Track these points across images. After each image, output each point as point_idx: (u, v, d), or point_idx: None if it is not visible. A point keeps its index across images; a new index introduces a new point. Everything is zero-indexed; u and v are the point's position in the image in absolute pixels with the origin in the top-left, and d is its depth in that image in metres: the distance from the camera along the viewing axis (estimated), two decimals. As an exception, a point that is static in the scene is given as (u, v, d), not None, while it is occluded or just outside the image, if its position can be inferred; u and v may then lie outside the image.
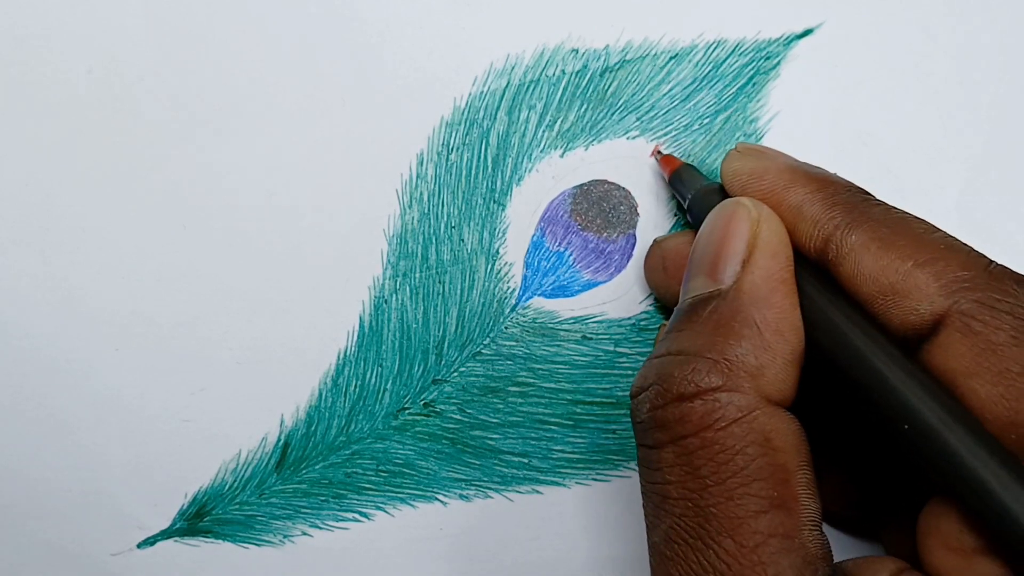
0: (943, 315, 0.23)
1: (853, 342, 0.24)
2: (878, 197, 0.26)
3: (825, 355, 0.24)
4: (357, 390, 0.33)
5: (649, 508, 0.24)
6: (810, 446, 0.23)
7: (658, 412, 0.23)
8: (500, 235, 0.32)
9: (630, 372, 0.33)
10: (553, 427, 0.33)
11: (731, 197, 0.27)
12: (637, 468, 0.25)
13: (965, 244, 0.24)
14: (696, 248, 0.26)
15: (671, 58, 0.32)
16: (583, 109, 0.32)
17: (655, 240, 0.32)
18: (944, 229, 0.25)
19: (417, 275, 0.32)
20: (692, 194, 0.29)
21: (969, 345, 0.22)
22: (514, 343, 0.33)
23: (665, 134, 0.32)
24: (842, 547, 0.31)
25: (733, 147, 0.29)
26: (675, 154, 0.32)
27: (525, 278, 0.33)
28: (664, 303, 0.33)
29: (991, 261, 0.23)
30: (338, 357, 0.33)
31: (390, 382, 0.33)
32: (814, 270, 0.25)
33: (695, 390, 0.23)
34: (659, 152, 0.32)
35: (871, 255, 0.24)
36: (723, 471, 0.22)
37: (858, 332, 0.24)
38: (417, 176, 0.32)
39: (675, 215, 0.33)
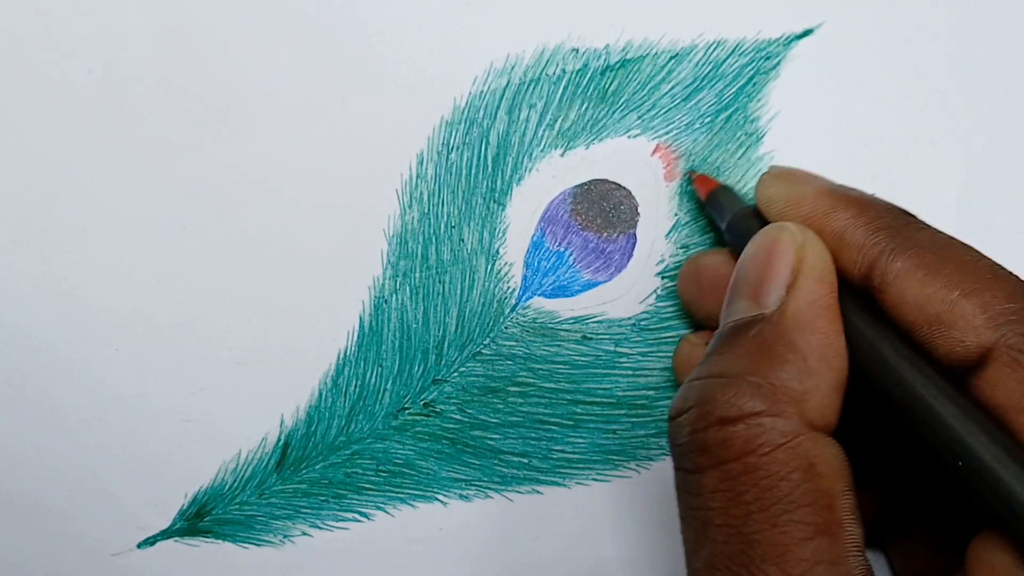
0: (990, 348, 0.22)
1: (902, 374, 0.23)
2: (922, 219, 0.25)
3: (871, 385, 0.24)
4: (357, 390, 0.33)
5: (689, 534, 0.24)
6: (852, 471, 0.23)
7: (699, 435, 0.23)
8: (500, 235, 0.32)
9: (630, 372, 0.33)
10: (553, 427, 0.33)
11: (771, 222, 0.27)
12: (675, 492, 0.24)
13: (1012, 273, 0.24)
14: (739, 272, 0.26)
15: (671, 58, 0.32)
16: (584, 108, 0.32)
17: (690, 256, 0.32)
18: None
19: (417, 275, 0.32)
20: (730, 217, 0.29)
21: (1018, 380, 0.22)
22: (514, 343, 0.33)
23: (666, 133, 0.32)
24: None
25: (766, 171, 0.29)
26: (678, 154, 0.32)
27: (525, 278, 0.33)
28: (695, 319, 0.32)
29: None
30: (338, 357, 0.33)
31: (390, 382, 0.33)
32: (859, 297, 0.25)
33: (738, 413, 0.23)
34: (692, 173, 0.32)
35: (916, 282, 0.23)
36: (767, 497, 0.22)
37: (906, 364, 0.23)
38: (417, 176, 0.32)
39: (675, 215, 0.33)
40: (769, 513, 0.22)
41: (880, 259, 0.24)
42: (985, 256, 0.24)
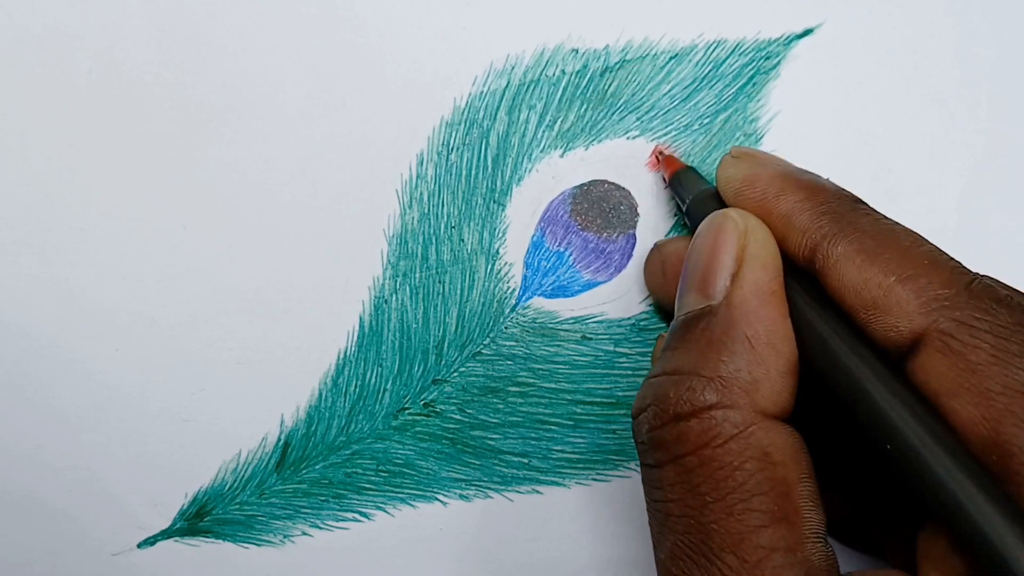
0: (923, 333, 0.23)
1: (840, 357, 0.23)
2: (871, 204, 0.26)
3: (815, 368, 0.24)
4: (357, 390, 0.33)
5: (654, 526, 0.24)
6: (813, 457, 0.23)
7: (656, 432, 0.24)
8: (500, 235, 0.32)
9: (630, 372, 0.33)
10: (553, 427, 0.33)
11: (727, 204, 0.27)
12: (642, 486, 0.25)
13: (951, 259, 0.24)
14: (687, 264, 0.26)
15: (671, 58, 0.32)
16: (583, 109, 0.32)
17: (655, 244, 0.32)
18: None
19: (417, 275, 0.32)
20: (690, 200, 0.29)
21: (949, 364, 0.22)
22: (514, 343, 0.33)
23: (665, 134, 0.32)
24: (847, 559, 0.31)
25: (728, 152, 0.29)
26: (676, 154, 0.32)
27: (525, 278, 0.33)
28: (663, 307, 0.33)
29: (975, 277, 0.23)
30: (338, 357, 0.33)
31: (390, 382, 0.33)
32: (805, 280, 0.25)
33: (691, 409, 0.23)
34: (661, 152, 0.32)
35: (855, 267, 0.24)
36: (722, 487, 0.22)
37: (844, 347, 0.23)
38: (417, 176, 0.32)
39: (675, 215, 0.33)
40: (725, 503, 0.22)
41: (823, 243, 0.24)
42: (927, 242, 0.24)
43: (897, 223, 0.25)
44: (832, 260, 0.24)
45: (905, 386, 0.23)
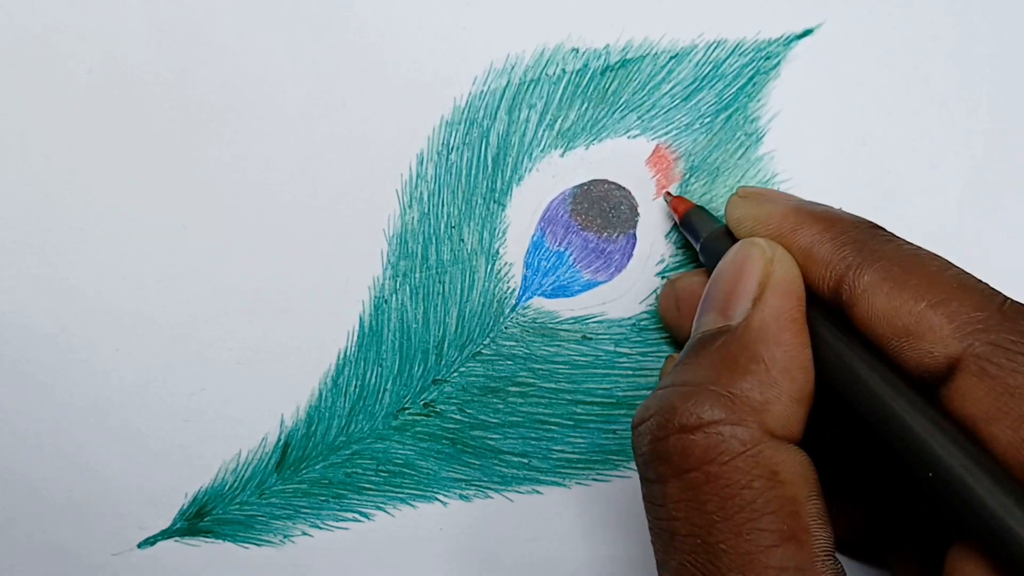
0: (958, 358, 0.22)
1: (873, 388, 0.23)
2: (887, 224, 0.26)
3: (843, 399, 0.24)
4: (357, 390, 0.33)
5: (658, 544, 0.24)
6: (819, 476, 0.23)
7: (659, 444, 0.23)
8: (500, 235, 0.32)
9: (630, 372, 0.33)
10: (553, 427, 0.33)
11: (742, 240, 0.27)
12: (643, 503, 0.24)
13: (980, 281, 0.24)
14: (710, 286, 0.26)
15: (671, 58, 0.32)
16: (583, 108, 0.32)
17: (668, 279, 0.32)
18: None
19: (417, 275, 0.32)
20: (704, 238, 0.29)
21: (986, 389, 0.22)
22: (514, 343, 0.33)
23: (666, 133, 0.32)
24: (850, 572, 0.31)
25: (734, 193, 0.29)
26: (678, 157, 0.32)
27: (525, 278, 0.33)
28: (678, 340, 0.32)
29: (1006, 299, 0.23)
30: (338, 357, 0.33)
31: (390, 382, 0.33)
32: (830, 313, 0.25)
33: (697, 422, 0.23)
34: (668, 194, 0.32)
35: (884, 295, 0.23)
36: (730, 506, 0.22)
37: (877, 377, 0.23)
38: (417, 176, 0.32)
39: (675, 215, 0.33)
40: (733, 522, 0.22)
41: (847, 274, 0.24)
42: (953, 265, 0.24)
43: (920, 247, 0.25)
44: (859, 290, 0.24)
45: (942, 413, 0.22)
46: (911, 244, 0.25)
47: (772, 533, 0.22)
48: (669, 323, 0.32)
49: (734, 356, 0.23)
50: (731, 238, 0.28)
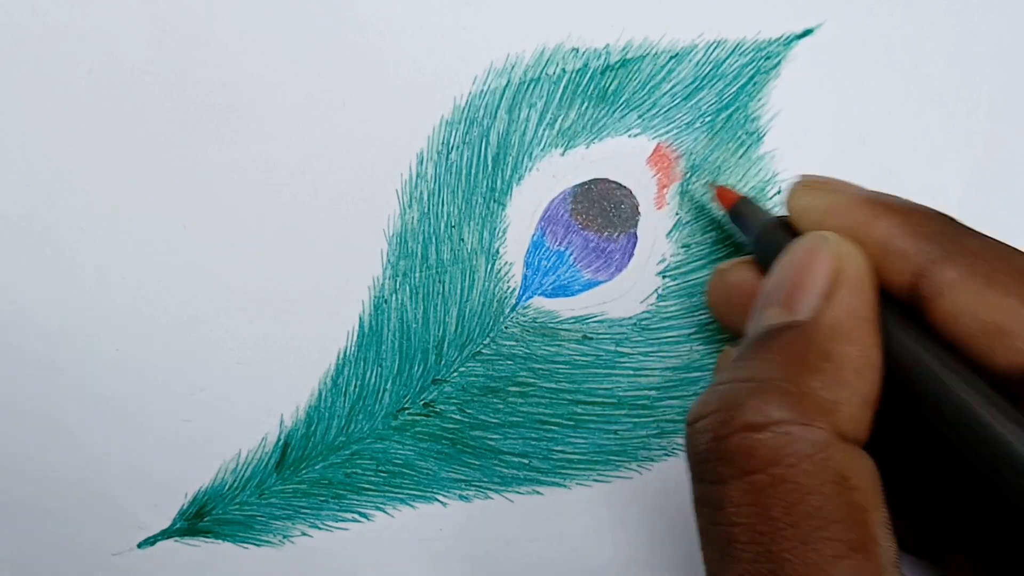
0: None
1: (954, 390, 0.22)
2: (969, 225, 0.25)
3: (917, 401, 0.23)
4: (357, 390, 0.33)
5: (712, 553, 0.22)
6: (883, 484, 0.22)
7: (722, 443, 0.21)
8: (500, 234, 0.32)
9: (631, 372, 0.33)
10: (553, 427, 0.33)
11: (801, 233, 0.26)
12: (694, 506, 0.23)
13: None
14: (772, 279, 0.25)
15: (671, 57, 0.32)
16: (584, 107, 0.32)
17: (718, 268, 0.30)
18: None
19: (417, 275, 0.32)
20: (759, 230, 0.28)
21: None
22: (514, 343, 0.33)
23: (666, 132, 0.32)
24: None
25: (796, 180, 0.27)
26: (679, 154, 0.32)
27: (525, 278, 0.33)
28: (728, 332, 0.32)
29: None
30: (338, 357, 0.33)
31: (390, 382, 0.33)
32: (901, 311, 0.24)
33: (765, 420, 0.21)
34: (712, 184, 0.32)
35: (971, 291, 0.22)
36: (796, 512, 0.20)
37: (957, 379, 0.22)
38: (417, 175, 0.32)
39: (676, 215, 0.33)
40: (799, 529, 0.20)
41: (930, 267, 0.23)
42: None
43: (1005, 243, 0.24)
44: (944, 285, 0.23)
45: None
46: (997, 240, 0.24)
47: (840, 543, 0.20)
48: (721, 315, 0.31)
49: (803, 352, 0.22)
50: (788, 229, 0.27)
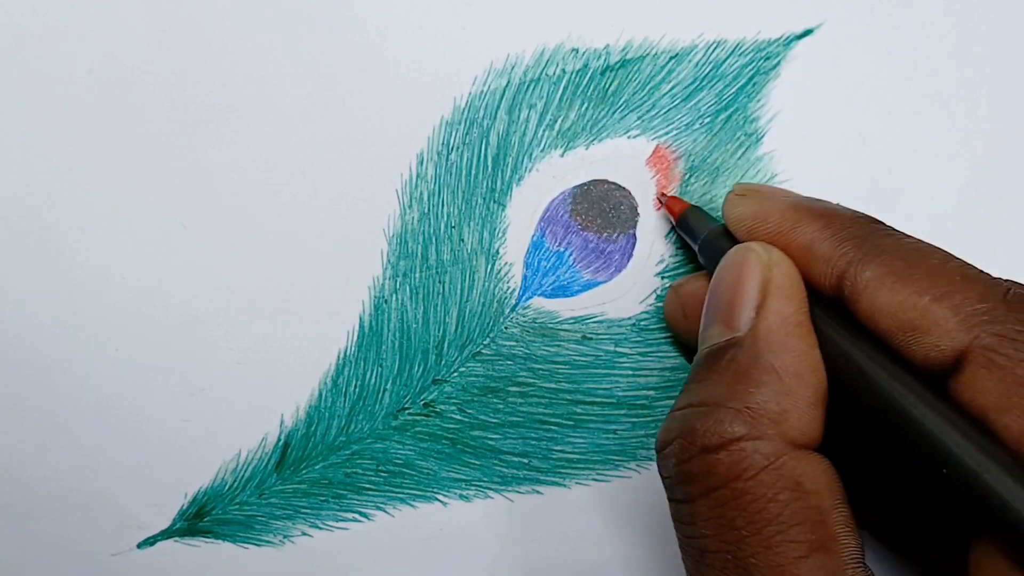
0: (965, 350, 0.22)
1: (879, 384, 0.23)
2: (888, 223, 0.25)
3: (850, 396, 0.24)
4: (357, 390, 0.33)
5: (689, 563, 0.24)
6: (844, 483, 0.23)
7: (685, 466, 0.23)
8: (500, 235, 0.32)
9: (630, 372, 0.33)
10: (553, 427, 0.33)
11: (740, 240, 0.27)
12: (672, 522, 0.25)
13: (982, 272, 0.24)
14: (710, 296, 0.26)
15: (671, 58, 0.32)
16: (584, 108, 0.32)
17: (671, 285, 0.32)
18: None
19: (417, 275, 0.32)
20: (701, 238, 0.29)
21: (995, 380, 0.22)
22: (514, 343, 0.33)
23: (666, 133, 0.32)
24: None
25: (731, 190, 0.29)
26: (678, 157, 0.32)
27: (525, 278, 0.33)
28: (686, 343, 0.33)
29: (1009, 288, 0.23)
30: (338, 357, 0.33)
31: (390, 382, 0.33)
32: (832, 309, 0.25)
33: (720, 441, 0.23)
34: (663, 195, 0.32)
35: (887, 290, 0.23)
36: (758, 520, 0.22)
37: (883, 373, 0.23)
38: (417, 176, 0.32)
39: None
40: (762, 536, 0.22)
41: (849, 269, 0.24)
42: (955, 257, 0.24)
43: (920, 240, 0.25)
44: (862, 285, 0.24)
45: (952, 407, 0.22)
46: (912, 237, 0.25)
47: (801, 544, 0.22)
48: (676, 328, 0.32)
49: (745, 369, 0.24)
50: (730, 237, 0.28)
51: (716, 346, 0.25)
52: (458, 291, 0.33)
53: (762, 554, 0.22)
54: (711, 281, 0.26)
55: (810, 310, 0.25)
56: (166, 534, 0.33)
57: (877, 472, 0.28)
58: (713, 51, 0.32)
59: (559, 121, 0.32)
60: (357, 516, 0.33)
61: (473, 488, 0.33)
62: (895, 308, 0.23)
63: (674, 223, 0.31)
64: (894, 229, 0.25)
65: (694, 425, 0.23)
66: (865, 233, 0.25)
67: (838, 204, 0.27)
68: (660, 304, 0.33)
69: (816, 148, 0.33)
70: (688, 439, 0.23)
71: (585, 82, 0.32)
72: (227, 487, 0.33)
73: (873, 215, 0.26)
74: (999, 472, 0.21)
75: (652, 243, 0.33)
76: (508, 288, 0.33)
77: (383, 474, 0.33)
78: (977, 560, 0.23)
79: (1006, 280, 0.23)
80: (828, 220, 0.25)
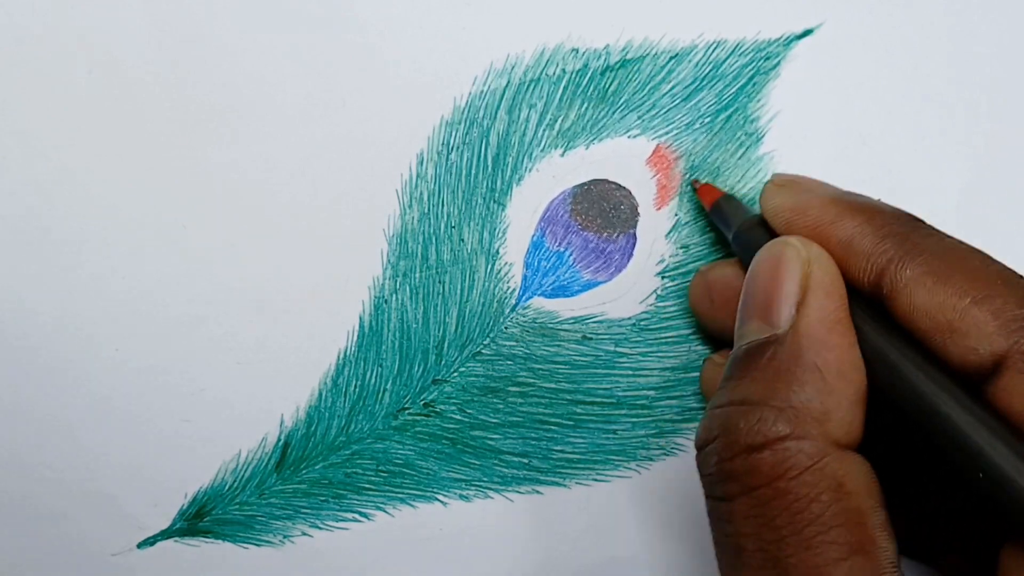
0: (1004, 355, 0.22)
1: (916, 384, 0.23)
2: (929, 224, 0.25)
3: (887, 395, 0.24)
4: (357, 390, 0.33)
5: (725, 560, 0.24)
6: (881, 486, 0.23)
7: (727, 464, 0.23)
8: (500, 235, 0.32)
9: (630, 372, 0.33)
10: (553, 427, 0.33)
11: (777, 232, 0.27)
12: (709, 519, 0.24)
13: (1022, 277, 0.23)
14: (746, 291, 0.26)
15: (671, 58, 0.32)
16: (584, 108, 0.32)
17: (699, 270, 0.32)
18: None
19: (417, 275, 0.32)
20: (736, 228, 0.29)
21: None
22: (514, 343, 0.33)
23: (666, 133, 0.32)
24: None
25: (769, 179, 0.28)
26: (678, 155, 0.32)
27: (525, 278, 0.33)
28: (711, 333, 0.32)
29: None
30: (338, 357, 0.33)
31: (390, 382, 0.33)
32: (870, 306, 0.24)
33: (763, 440, 0.23)
34: (696, 182, 0.32)
35: (926, 290, 0.23)
36: (798, 520, 0.22)
37: (920, 374, 0.23)
38: (417, 176, 0.32)
39: (675, 215, 0.33)
40: (802, 536, 0.22)
41: (889, 267, 0.24)
42: (995, 261, 0.24)
43: (962, 242, 0.24)
44: (901, 284, 0.24)
45: (988, 411, 0.22)
46: (953, 238, 0.24)
47: (840, 546, 0.22)
48: (701, 314, 0.32)
49: (787, 367, 0.23)
50: (765, 227, 0.28)
51: (755, 343, 0.24)
52: (458, 291, 0.33)
53: (801, 554, 0.22)
54: (747, 274, 0.26)
55: (850, 308, 0.24)
56: (166, 534, 0.33)
57: (909, 473, 0.28)
58: (713, 51, 0.32)
59: (559, 121, 0.32)
60: (357, 516, 0.33)
61: (473, 488, 0.33)
62: (934, 309, 0.23)
63: (707, 210, 0.31)
64: (935, 229, 0.25)
65: (737, 423, 0.23)
66: (906, 231, 0.25)
67: (879, 200, 0.26)
68: (660, 304, 0.33)
69: (816, 148, 0.33)
70: (731, 437, 0.23)
71: (585, 82, 0.32)
72: (227, 487, 0.33)
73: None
74: None
75: (652, 243, 0.33)
76: (508, 288, 0.33)
77: (383, 474, 0.33)
78: (1007, 566, 0.23)
79: None
80: (869, 216, 0.25)
